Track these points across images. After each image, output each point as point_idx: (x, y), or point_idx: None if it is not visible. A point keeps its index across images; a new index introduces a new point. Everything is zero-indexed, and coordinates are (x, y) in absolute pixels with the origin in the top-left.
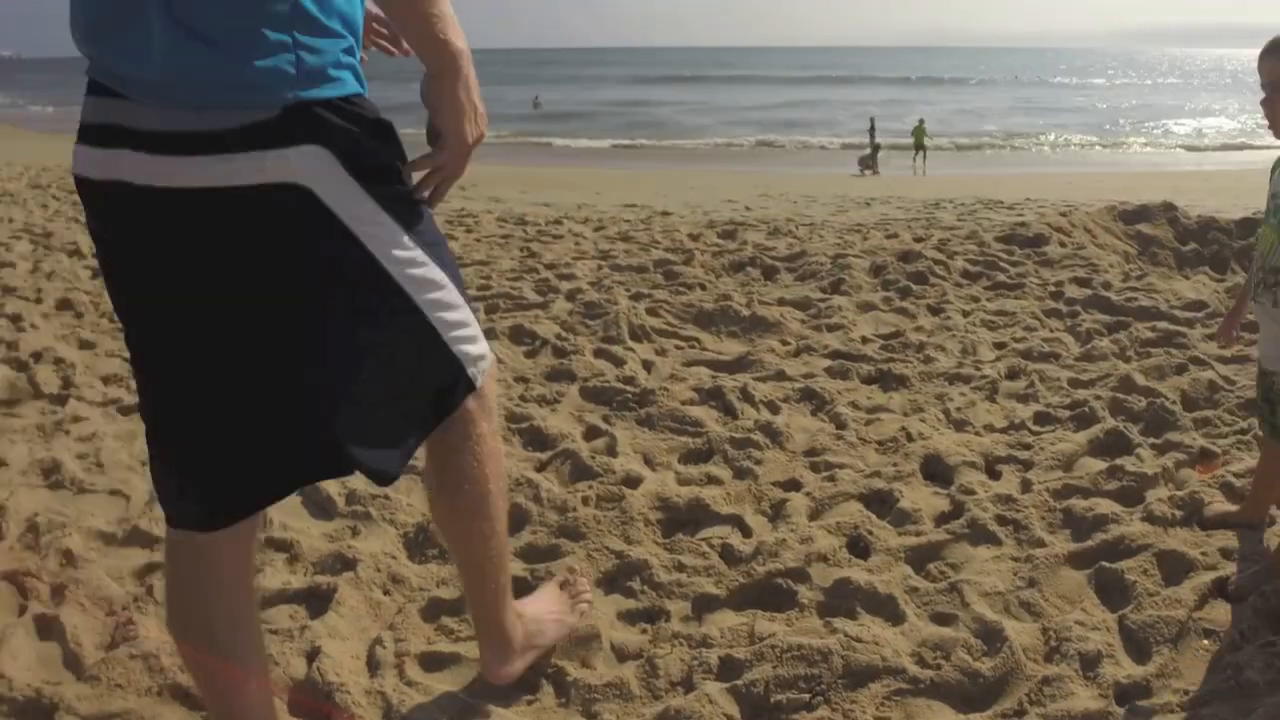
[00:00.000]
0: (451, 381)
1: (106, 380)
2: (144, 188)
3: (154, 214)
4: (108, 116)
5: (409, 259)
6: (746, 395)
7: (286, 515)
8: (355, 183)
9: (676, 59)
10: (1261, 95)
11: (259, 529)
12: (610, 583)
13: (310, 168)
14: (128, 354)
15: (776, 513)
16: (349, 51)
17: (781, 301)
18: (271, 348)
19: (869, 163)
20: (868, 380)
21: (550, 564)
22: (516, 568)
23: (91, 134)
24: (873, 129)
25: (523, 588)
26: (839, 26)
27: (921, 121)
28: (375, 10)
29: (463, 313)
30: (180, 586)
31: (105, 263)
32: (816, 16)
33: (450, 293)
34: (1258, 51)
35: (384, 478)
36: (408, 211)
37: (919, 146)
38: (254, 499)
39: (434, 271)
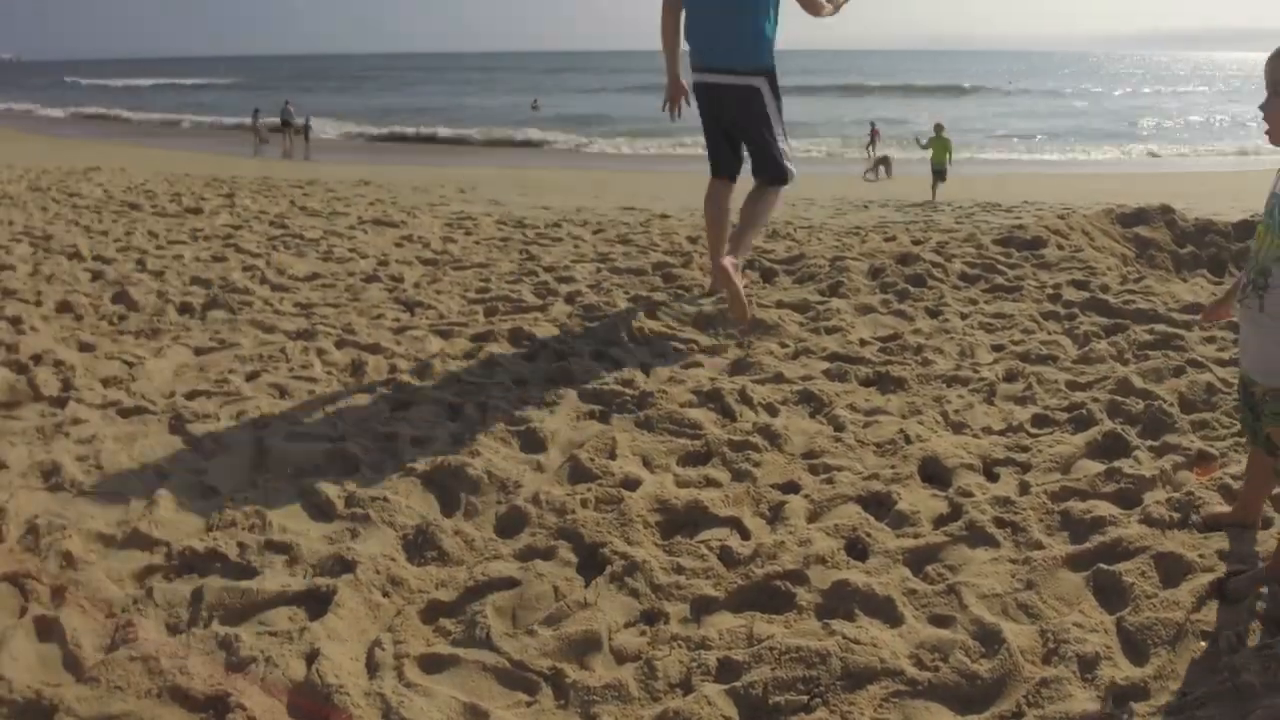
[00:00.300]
0: (774, 153)
1: (106, 383)
2: (729, 84)
3: (728, 91)
4: (709, 69)
5: (778, 114)
6: (745, 398)
7: (286, 518)
8: (770, 91)
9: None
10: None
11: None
12: (609, 584)
13: (762, 83)
14: (125, 356)
15: (775, 515)
16: (772, 54)
17: (780, 304)
18: (745, 117)
19: (878, 168)
20: (866, 383)
21: (540, 562)
22: (513, 569)
23: (703, 70)
24: (872, 137)
25: (513, 587)
26: (832, 30)
27: (941, 130)
28: (682, 80)
29: (786, 143)
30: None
31: (712, 112)
32: (809, 20)
33: (782, 133)
34: (1251, 54)
35: (783, 177)
36: (779, 105)
37: (941, 169)
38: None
39: (780, 122)
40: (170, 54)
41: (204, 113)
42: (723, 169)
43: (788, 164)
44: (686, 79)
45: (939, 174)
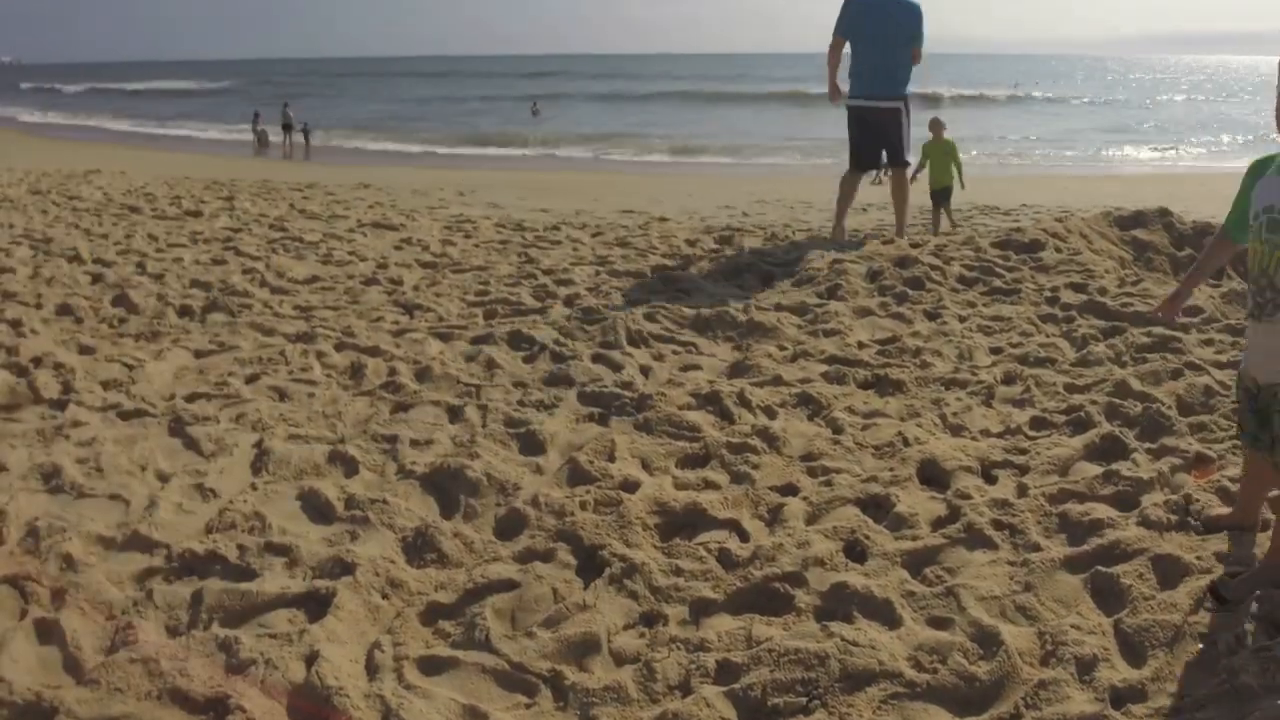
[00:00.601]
0: (903, 152)
1: (106, 385)
2: (874, 107)
3: (878, 114)
4: (866, 97)
5: (907, 126)
6: (743, 400)
7: (286, 520)
8: (905, 110)
9: (687, 66)
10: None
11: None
12: (608, 586)
13: (900, 106)
14: (125, 359)
15: (774, 517)
16: (906, 87)
17: (778, 307)
18: (888, 131)
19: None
20: (864, 385)
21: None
22: (512, 571)
23: (860, 97)
24: None
25: (513, 589)
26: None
27: (940, 130)
28: (840, 86)
29: (910, 142)
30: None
31: (861, 127)
32: (809, 21)
33: (909, 137)
34: (1254, 58)
35: (903, 164)
36: (908, 120)
37: (945, 190)
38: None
39: (908, 131)
40: (171, 57)
41: (196, 121)
42: (862, 164)
43: (909, 156)
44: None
45: (942, 196)
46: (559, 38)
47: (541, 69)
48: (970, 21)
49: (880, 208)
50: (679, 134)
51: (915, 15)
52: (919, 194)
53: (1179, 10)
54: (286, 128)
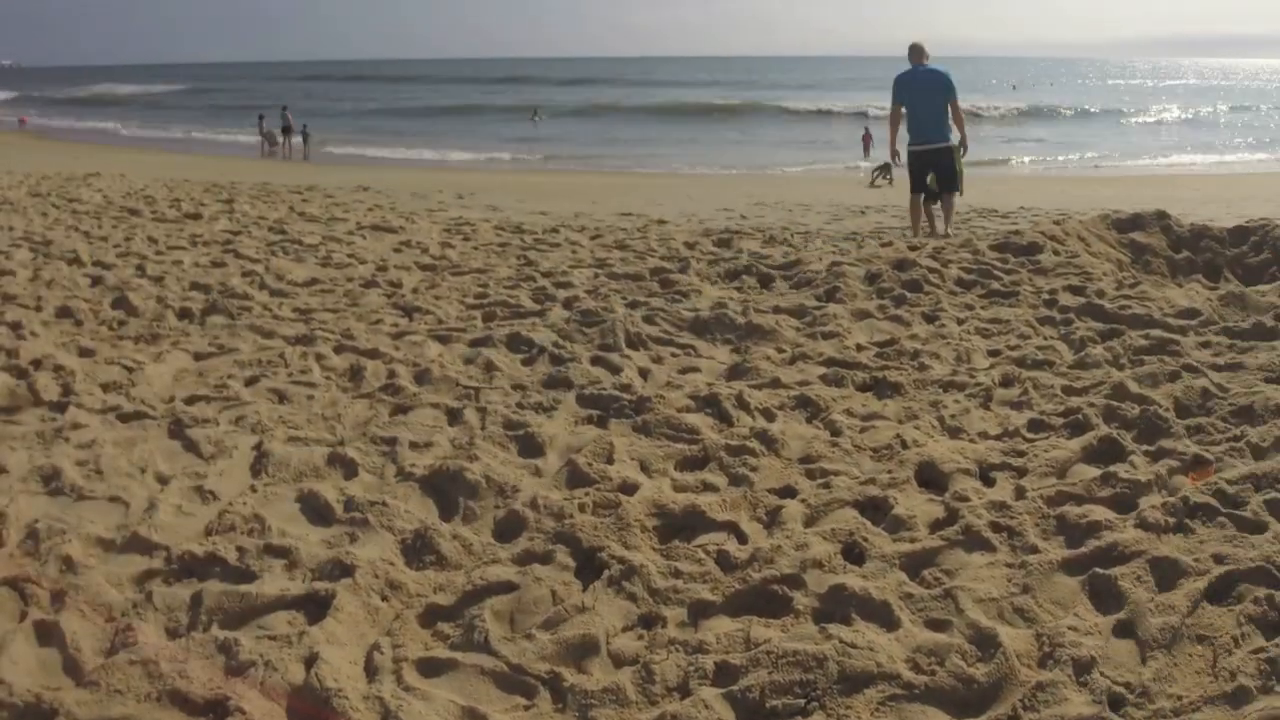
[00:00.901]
0: (956, 180)
1: (106, 388)
2: (934, 148)
3: (934, 151)
4: (921, 142)
5: (960, 156)
6: (742, 403)
7: (285, 522)
8: (954, 149)
9: (687, 69)
10: None
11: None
12: (607, 589)
13: (950, 145)
14: (124, 361)
15: (772, 519)
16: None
17: (777, 309)
18: (941, 165)
19: (885, 173)
20: (863, 388)
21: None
22: (511, 573)
23: (916, 144)
24: (865, 142)
25: (511, 591)
26: (839, 34)
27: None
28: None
29: (961, 173)
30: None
31: (920, 162)
32: (808, 24)
33: (960, 168)
34: (1251, 60)
35: (954, 188)
36: (959, 153)
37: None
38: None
39: (960, 164)
40: (173, 60)
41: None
42: (921, 189)
43: (961, 183)
44: (901, 145)
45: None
46: (553, 41)
47: (535, 72)
48: (968, 23)
49: (879, 210)
50: (678, 141)
51: (941, 77)
52: (899, 195)
53: (1178, 13)
54: (286, 130)
